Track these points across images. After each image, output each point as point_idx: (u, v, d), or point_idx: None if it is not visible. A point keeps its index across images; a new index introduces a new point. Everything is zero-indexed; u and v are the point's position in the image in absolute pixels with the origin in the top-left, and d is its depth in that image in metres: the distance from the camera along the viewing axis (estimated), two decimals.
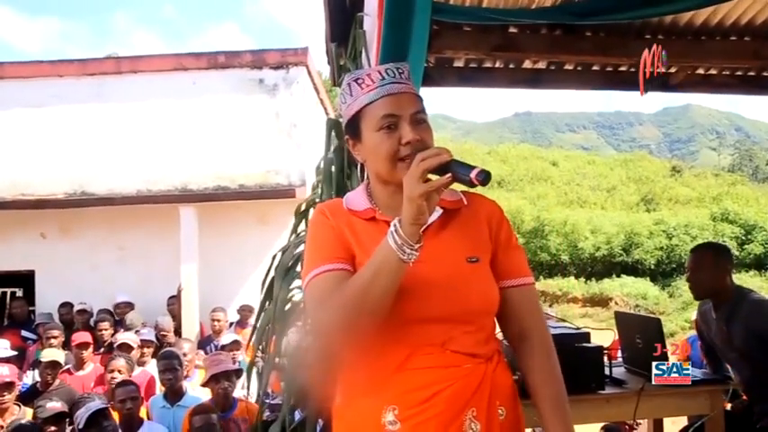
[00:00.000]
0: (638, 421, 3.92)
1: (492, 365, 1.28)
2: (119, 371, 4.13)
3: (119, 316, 6.28)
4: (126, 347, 4.63)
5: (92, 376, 4.62)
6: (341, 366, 1.36)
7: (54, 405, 3.51)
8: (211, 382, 3.75)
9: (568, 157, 41.45)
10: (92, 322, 6.15)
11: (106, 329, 5.54)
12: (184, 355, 4.45)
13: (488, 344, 1.30)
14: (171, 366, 3.90)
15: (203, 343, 6.05)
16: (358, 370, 1.30)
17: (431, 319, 1.25)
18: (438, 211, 1.31)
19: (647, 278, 20.45)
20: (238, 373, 4.01)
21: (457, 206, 1.36)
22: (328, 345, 1.32)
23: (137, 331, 5.31)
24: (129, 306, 6.22)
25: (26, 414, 3.74)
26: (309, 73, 7.60)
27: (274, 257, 2.59)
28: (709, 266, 2.79)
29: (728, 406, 3.15)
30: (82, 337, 4.80)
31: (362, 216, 1.33)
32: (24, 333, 6.14)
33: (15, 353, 5.28)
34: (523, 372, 1.36)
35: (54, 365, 4.27)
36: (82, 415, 3.19)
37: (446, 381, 1.22)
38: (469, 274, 1.28)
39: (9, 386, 3.79)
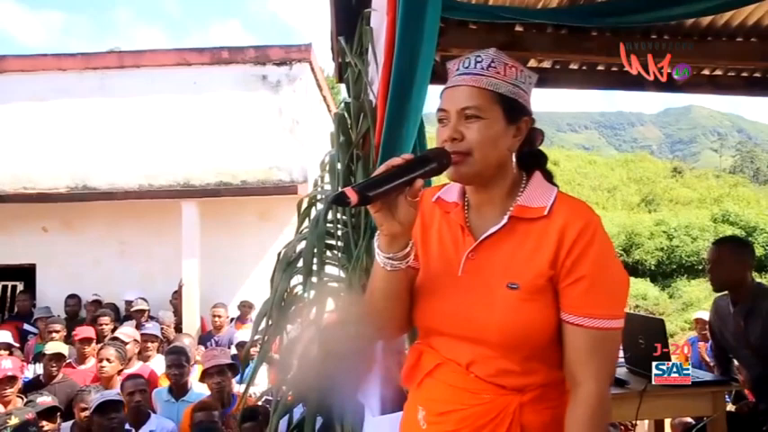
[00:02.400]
0: (634, 422, 3.93)
1: (524, 398, 1.16)
2: (107, 359, 4.11)
3: (127, 312, 6.27)
4: (119, 342, 4.61)
5: (93, 370, 4.63)
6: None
7: (45, 399, 3.52)
8: (205, 377, 3.76)
9: (569, 157, 41.44)
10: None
11: (107, 324, 5.55)
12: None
13: (527, 376, 1.17)
14: (178, 362, 3.91)
15: (204, 338, 6.06)
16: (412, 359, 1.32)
17: (454, 337, 1.21)
18: (503, 220, 1.20)
19: (648, 279, 20.45)
20: (233, 368, 4.02)
21: (533, 215, 1.18)
22: (368, 326, 1.37)
23: (141, 326, 5.32)
24: (145, 301, 6.20)
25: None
26: (312, 70, 7.59)
27: (279, 254, 2.59)
28: (730, 260, 2.79)
29: (731, 408, 3.15)
30: (85, 331, 4.80)
31: (445, 208, 1.28)
32: (26, 327, 6.15)
33: (18, 345, 5.30)
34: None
35: (58, 358, 4.27)
36: (96, 400, 3.21)
37: (462, 403, 1.18)
38: (500, 302, 1.16)
39: (12, 380, 3.80)
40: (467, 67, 1.19)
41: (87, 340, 4.69)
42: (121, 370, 4.20)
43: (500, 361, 1.17)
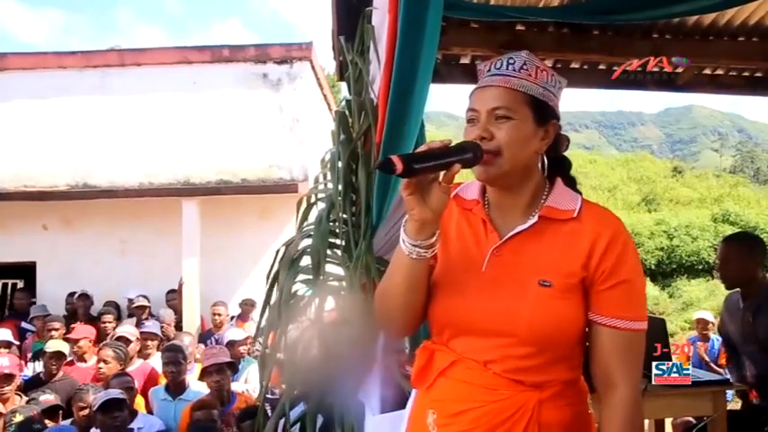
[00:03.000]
0: None
1: (543, 395, 1.16)
2: (104, 360, 4.12)
3: (130, 310, 6.28)
4: (124, 340, 4.63)
5: (94, 369, 4.63)
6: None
7: (48, 398, 3.52)
8: (204, 375, 3.76)
9: (570, 157, 41.33)
10: (93, 311, 6.17)
11: (110, 322, 5.55)
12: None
13: (547, 372, 1.18)
14: (175, 359, 3.91)
15: (204, 337, 6.06)
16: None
17: (475, 332, 1.20)
18: (532, 219, 1.21)
19: (648, 278, 20.44)
20: (232, 366, 4.02)
21: (562, 217, 1.20)
22: (379, 322, 1.38)
23: (141, 324, 5.32)
24: (146, 299, 6.20)
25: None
26: (313, 68, 7.59)
27: (278, 252, 2.59)
28: (741, 257, 2.78)
29: (733, 406, 3.15)
30: (83, 330, 4.80)
31: (464, 205, 1.28)
32: (24, 325, 6.15)
33: (17, 342, 5.30)
34: (599, 420, 1.21)
35: (59, 356, 4.27)
36: (100, 398, 3.22)
37: (478, 401, 1.17)
38: (531, 298, 1.16)
39: (9, 378, 3.80)
40: (498, 69, 1.21)
41: (86, 338, 4.69)
42: (122, 369, 4.20)
43: (522, 357, 1.17)
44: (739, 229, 20.84)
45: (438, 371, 1.24)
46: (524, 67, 1.19)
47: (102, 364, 4.10)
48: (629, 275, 1.18)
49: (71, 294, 6.59)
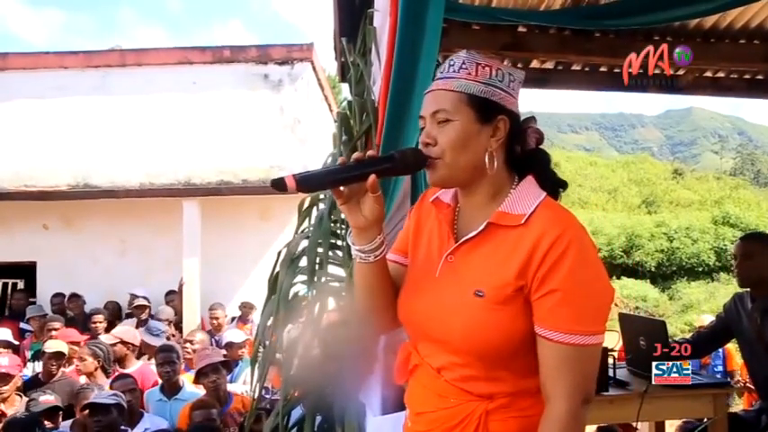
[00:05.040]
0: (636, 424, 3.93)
1: (491, 406, 1.15)
2: (80, 358, 4.14)
3: (130, 309, 6.27)
4: (122, 341, 4.60)
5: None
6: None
7: (47, 398, 3.51)
8: (200, 376, 3.75)
9: (570, 158, 41.44)
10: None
11: (100, 322, 5.55)
12: (191, 343, 4.52)
13: (493, 383, 1.16)
14: (169, 360, 3.90)
15: None
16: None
17: (426, 338, 1.24)
18: (481, 226, 1.18)
19: (647, 280, 20.45)
20: (227, 365, 4.01)
21: (511, 223, 1.15)
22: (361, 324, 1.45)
23: (142, 323, 5.32)
24: (146, 300, 6.20)
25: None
26: (314, 69, 7.59)
27: (279, 253, 2.59)
28: (758, 256, 2.78)
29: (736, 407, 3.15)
30: (67, 333, 4.80)
31: (439, 209, 1.28)
32: (23, 326, 6.15)
33: (17, 342, 5.30)
34: None
35: (58, 356, 4.27)
36: (86, 401, 3.21)
37: (431, 405, 1.21)
38: (465, 308, 1.14)
39: (7, 377, 3.80)
40: (442, 72, 1.21)
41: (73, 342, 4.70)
42: (104, 367, 4.18)
43: (465, 367, 1.17)
44: (740, 232, 20.87)
45: (409, 371, 1.30)
46: (463, 66, 1.17)
47: (77, 362, 4.11)
48: (565, 283, 1.09)
49: (56, 295, 6.58)
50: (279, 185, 1.09)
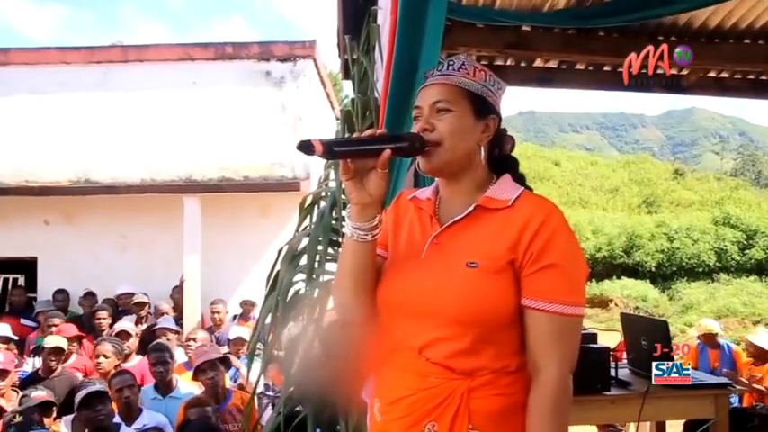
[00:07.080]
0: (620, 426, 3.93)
1: (473, 384, 1.18)
2: (104, 355, 4.10)
3: (121, 306, 6.29)
4: (124, 335, 4.62)
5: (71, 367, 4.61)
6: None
7: (39, 394, 3.49)
8: (198, 374, 3.74)
9: (571, 158, 41.37)
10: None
11: (104, 318, 5.55)
12: (194, 341, 4.53)
13: (477, 358, 1.19)
14: (162, 359, 3.89)
15: None
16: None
17: (407, 314, 1.25)
18: (469, 209, 1.26)
19: (648, 280, 20.42)
20: (225, 362, 4.00)
21: (498, 206, 1.24)
22: (338, 315, 1.41)
23: (141, 320, 5.31)
24: (131, 296, 6.21)
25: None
26: (316, 66, 7.58)
27: (280, 250, 2.58)
28: None
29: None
30: (66, 329, 4.80)
31: (418, 205, 1.36)
32: (23, 321, 6.15)
33: (17, 337, 5.29)
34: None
35: (57, 351, 4.26)
36: (79, 396, 3.19)
37: (411, 388, 1.21)
38: (458, 277, 1.20)
39: (3, 373, 3.79)
40: (440, 70, 1.30)
41: (75, 338, 4.70)
42: (118, 365, 4.19)
43: (452, 340, 1.19)
44: (740, 233, 20.86)
45: (381, 360, 1.29)
46: (463, 66, 1.28)
47: (101, 359, 4.08)
48: (558, 259, 1.18)
49: (59, 291, 6.58)
50: (306, 148, 1.09)
